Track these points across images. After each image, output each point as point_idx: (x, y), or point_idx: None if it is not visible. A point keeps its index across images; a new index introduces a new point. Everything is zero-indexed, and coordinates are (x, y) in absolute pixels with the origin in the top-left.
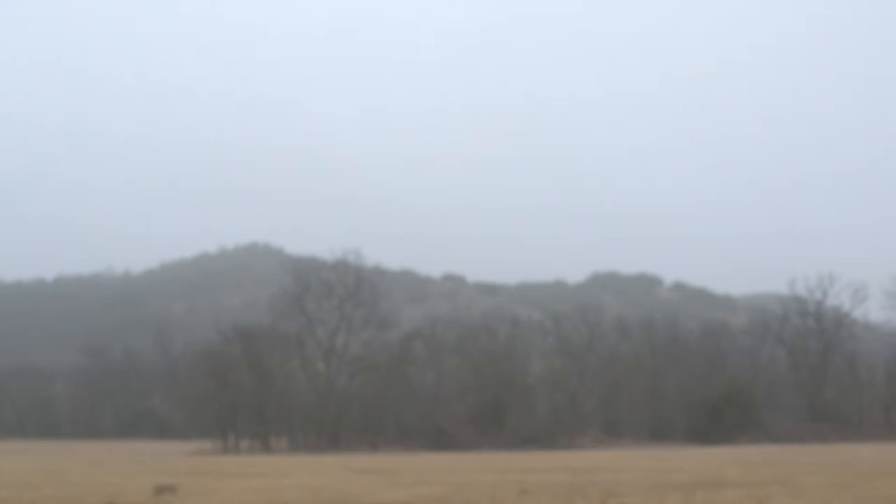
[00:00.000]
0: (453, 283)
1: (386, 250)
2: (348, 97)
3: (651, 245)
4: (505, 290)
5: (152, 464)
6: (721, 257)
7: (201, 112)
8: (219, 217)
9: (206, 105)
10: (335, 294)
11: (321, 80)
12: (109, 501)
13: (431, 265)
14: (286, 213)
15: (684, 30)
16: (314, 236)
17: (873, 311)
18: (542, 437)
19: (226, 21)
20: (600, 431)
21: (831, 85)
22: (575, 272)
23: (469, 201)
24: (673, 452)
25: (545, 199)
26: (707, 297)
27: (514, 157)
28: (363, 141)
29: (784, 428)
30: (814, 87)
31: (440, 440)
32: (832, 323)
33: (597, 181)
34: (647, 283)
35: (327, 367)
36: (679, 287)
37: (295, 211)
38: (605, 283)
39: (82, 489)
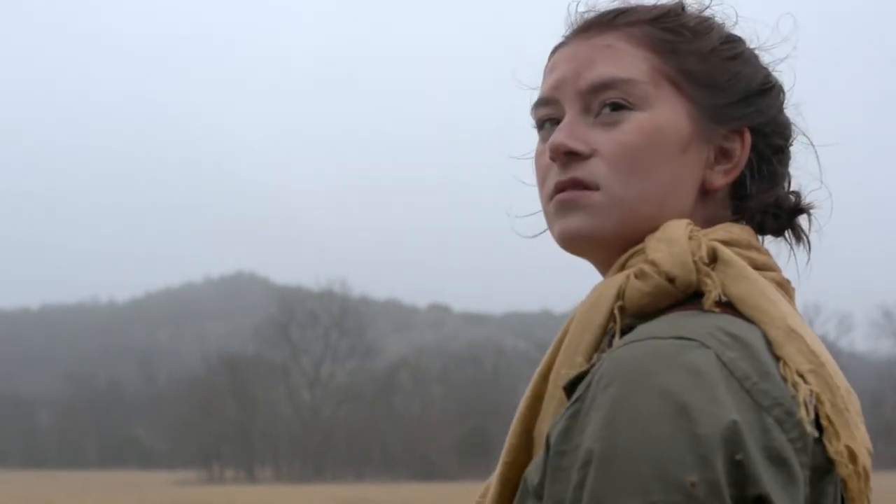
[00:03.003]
0: (439, 313)
1: (371, 279)
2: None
3: None
4: (491, 319)
5: (137, 493)
6: None
7: (186, 135)
8: (204, 246)
9: (188, 132)
10: (320, 323)
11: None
12: None
13: (417, 294)
14: (272, 242)
15: None
16: (300, 266)
17: (859, 341)
18: None
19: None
20: None
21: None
22: (562, 301)
23: (454, 229)
24: None
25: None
26: None
27: (498, 182)
28: (344, 171)
29: None
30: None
31: (425, 470)
32: None
33: None
34: None
35: (312, 396)
36: None
37: (281, 240)
38: None
39: None
